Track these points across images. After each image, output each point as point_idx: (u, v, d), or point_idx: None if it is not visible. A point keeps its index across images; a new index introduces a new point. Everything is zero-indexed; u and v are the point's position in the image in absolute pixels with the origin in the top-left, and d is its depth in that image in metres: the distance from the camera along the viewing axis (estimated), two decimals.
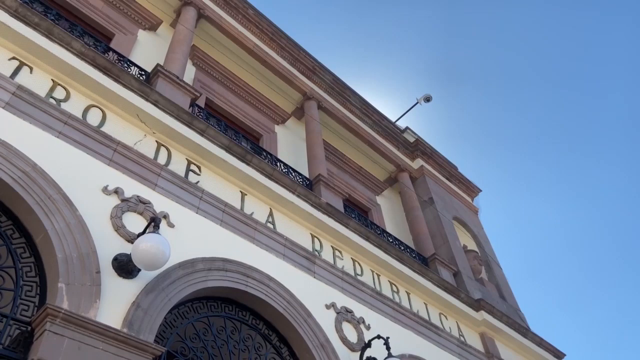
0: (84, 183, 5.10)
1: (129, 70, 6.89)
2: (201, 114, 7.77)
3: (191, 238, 5.72)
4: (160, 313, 4.72)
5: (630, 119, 40.76)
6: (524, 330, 9.71)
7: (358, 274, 7.93)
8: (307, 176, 9.12)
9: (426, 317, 8.43)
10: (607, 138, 42.70)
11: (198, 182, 6.47)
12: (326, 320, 6.54)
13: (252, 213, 6.87)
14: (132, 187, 5.53)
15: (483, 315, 9.18)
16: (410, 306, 8.38)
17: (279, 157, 9.28)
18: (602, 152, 42.45)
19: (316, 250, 7.48)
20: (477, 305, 9.23)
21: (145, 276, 4.80)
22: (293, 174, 8.41)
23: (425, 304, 8.74)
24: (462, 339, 8.72)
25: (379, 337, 6.35)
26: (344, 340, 6.54)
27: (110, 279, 4.55)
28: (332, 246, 7.88)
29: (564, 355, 10.17)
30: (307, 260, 7.11)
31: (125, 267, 4.63)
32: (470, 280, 10.16)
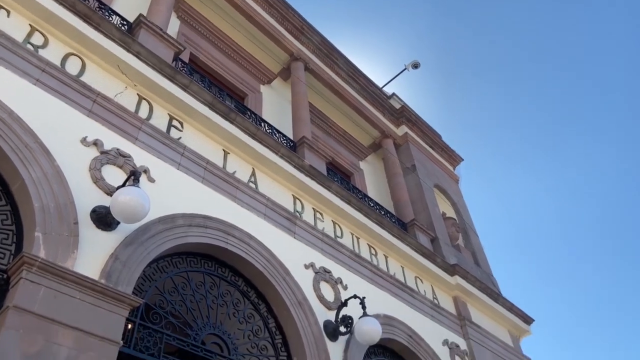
0: (62, 133, 5.00)
1: (110, 19, 6.65)
2: (184, 69, 7.60)
3: (172, 194, 5.69)
4: (139, 266, 4.74)
5: (616, 93, 41.15)
6: (495, 295, 10.02)
7: (338, 236, 8.03)
8: (291, 138, 9.07)
9: (402, 280, 8.63)
10: (593, 113, 43.18)
11: (180, 138, 6.38)
12: (304, 279, 6.65)
13: (234, 172, 6.84)
14: (112, 140, 5.44)
15: (457, 279, 9.43)
16: (388, 269, 8.56)
17: (264, 117, 9.18)
18: (587, 126, 43.00)
19: (297, 212, 7.53)
20: (452, 270, 9.47)
21: (124, 229, 4.79)
22: (277, 134, 8.36)
23: (402, 267, 8.93)
24: (435, 301, 8.98)
25: (355, 296, 6.49)
26: (321, 299, 6.67)
27: (88, 231, 4.53)
28: (313, 208, 7.93)
29: (533, 320, 10.57)
30: (288, 220, 7.16)
31: (103, 219, 4.61)
32: (447, 246, 10.38)
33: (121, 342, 4.13)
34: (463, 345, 8.67)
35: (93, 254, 4.44)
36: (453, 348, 8.32)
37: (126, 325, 4.47)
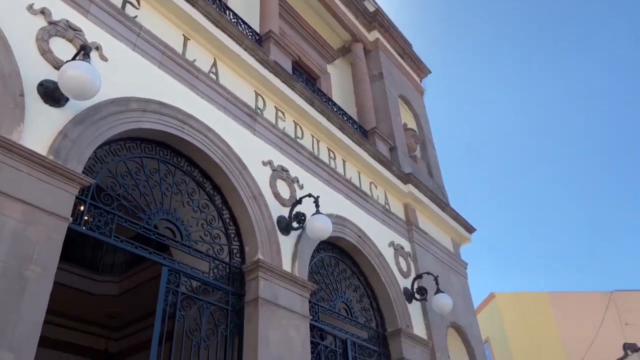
0: None
1: None
2: None
3: (126, 75, 5.42)
4: (90, 146, 4.62)
5: (601, 19, 41.02)
6: (443, 204, 10.52)
7: (298, 137, 8.02)
8: (257, 31, 8.66)
9: (357, 185, 8.87)
10: (572, 28, 43.17)
11: (136, 16, 5.96)
12: (261, 176, 6.72)
13: (194, 60, 6.54)
14: (61, 10, 5.02)
15: (410, 188, 9.78)
16: (345, 173, 8.73)
17: (229, 5, 8.64)
18: (565, 43, 43.21)
19: (259, 108, 7.40)
20: (406, 178, 9.77)
21: (74, 107, 4.59)
22: (242, 25, 7.94)
23: (359, 173, 9.13)
24: (387, 207, 9.36)
25: (309, 195, 6.65)
26: (277, 195, 6.81)
27: (35, 105, 4.31)
28: (275, 106, 7.80)
29: (475, 230, 11.27)
30: (249, 116, 7.05)
31: (51, 94, 4.38)
32: (404, 156, 10.62)
33: (70, 218, 4.13)
34: (407, 247, 9.22)
35: (40, 129, 4.27)
36: (398, 249, 8.84)
37: (77, 205, 4.46)
